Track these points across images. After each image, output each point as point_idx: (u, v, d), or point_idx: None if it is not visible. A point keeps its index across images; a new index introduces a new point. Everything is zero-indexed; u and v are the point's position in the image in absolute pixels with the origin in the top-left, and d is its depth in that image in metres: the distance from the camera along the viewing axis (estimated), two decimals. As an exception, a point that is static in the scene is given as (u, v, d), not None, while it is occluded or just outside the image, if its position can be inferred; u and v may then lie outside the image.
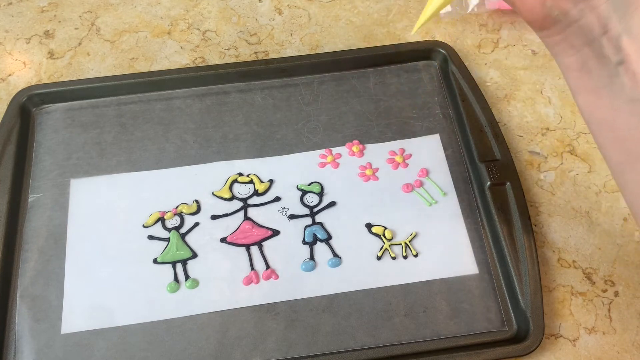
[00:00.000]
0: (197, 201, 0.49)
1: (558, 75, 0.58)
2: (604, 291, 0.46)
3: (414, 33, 0.45)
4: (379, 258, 0.46)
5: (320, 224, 0.48)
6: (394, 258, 0.46)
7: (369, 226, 0.47)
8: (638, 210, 0.34)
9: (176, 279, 0.45)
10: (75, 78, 0.57)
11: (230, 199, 0.49)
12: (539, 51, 0.59)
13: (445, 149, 0.51)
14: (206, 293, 0.45)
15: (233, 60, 0.58)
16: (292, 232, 0.47)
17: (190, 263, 0.46)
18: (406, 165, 0.50)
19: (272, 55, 0.59)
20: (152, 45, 0.60)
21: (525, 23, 0.61)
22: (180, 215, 0.48)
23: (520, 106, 0.55)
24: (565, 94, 0.56)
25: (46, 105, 0.54)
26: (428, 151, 0.51)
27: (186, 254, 0.46)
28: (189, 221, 0.48)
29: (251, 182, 0.50)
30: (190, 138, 0.52)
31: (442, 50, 0.56)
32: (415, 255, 0.46)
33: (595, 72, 0.33)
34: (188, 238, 0.47)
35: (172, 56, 0.59)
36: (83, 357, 0.42)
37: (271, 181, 0.50)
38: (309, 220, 0.48)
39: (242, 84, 0.55)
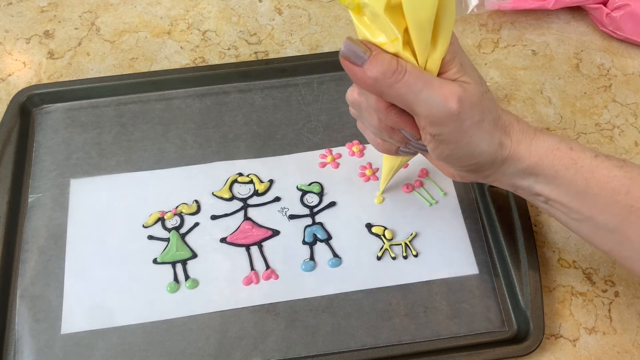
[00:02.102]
0: (197, 201, 0.49)
1: (558, 75, 0.58)
2: (604, 291, 0.46)
3: (379, 195, 0.49)
4: (379, 258, 0.46)
5: (320, 224, 0.48)
6: (394, 258, 0.46)
7: (369, 226, 0.47)
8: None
9: (176, 279, 0.45)
10: (75, 78, 0.57)
11: (230, 199, 0.49)
12: (539, 51, 0.59)
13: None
14: (206, 293, 0.45)
15: (233, 60, 0.58)
16: (292, 232, 0.47)
17: (190, 263, 0.46)
18: (406, 165, 0.50)
19: (272, 55, 0.59)
20: (152, 45, 0.60)
21: (525, 23, 0.61)
22: (180, 215, 0.48)
23: (521, 106, 0.55)
24: (565, 94, 0.56)
25: (46, 105, 0.54)
26: (428, 151, 0.51)
27: (186, 254, 0.46)
28: (189, 221, 0.48)
29: (251, 182, 0.50)
30: (190, 138, 0.52)
31: (442, 50, 0.56)
32: (416, 256, 0.46)
33: (532, 199, 0.38)
34: (188, 238, 0.47)
35: (172, 56, 0.59)
36: (83, 357, 0.42)
37: (271, 181, 0.50)
38: (309, 220, 0.48)
39: (242, 84, 0.55)
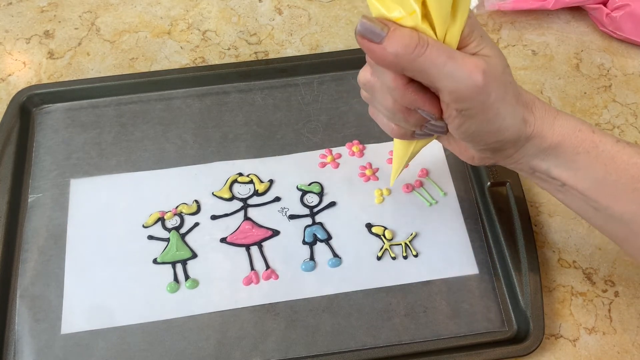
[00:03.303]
0: (197, 201, 0.49)
1: (558, 75, 0.58)
2: (604, 291, 0.46)
3: (392, 185, 0.48)
4: (379, 258, 0.46)
5: (320, 224, 0.48)
6: (394, 258, 0.46)
7: (369, 226, 0.47)
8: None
9: (176, 279, 0.45)
10: (75, 78, 0.57)
11: (230, 199, 0.49)
12: (539, 51, 0.59)
13: (445, 149, 0.51)
14: (206, 293, 0.45)
15: (233, 60, 0.58)
16: (292, 232, 0.47)
17: (190, 263, 0.46)
18: (406, 165, 0.50)
19: (272, 55, 0.59)
20: (152, 45, 0.60)
21: (525, 23, 0.61)
22: (180, 215, 0.48)
23: (521, 106, 0.55)
24: (565, 94, 0.56)
25: (46, 105, 0.54)
26: (428, 151, 0.51)
27: (186, 254, 0.46)
28: (189, 221, 0.48)
29: (251, 182, 0.50)
30: (190, 138, 0.52)
31: (442, 50, 0.56)
32: (416, 256, 0.46)
33: (547, 184, 0.37)
34: (188, 238, 0.47)
35: (172, 56, 0.59)
36: (83, 357, 0.42)
37: (271, 181, 0.50)
38: (309, 221, 0.48)
39: (242, 84, 0.55)
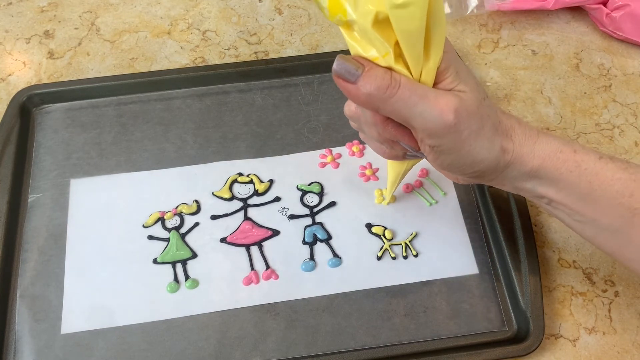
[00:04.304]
0: (197, 201, 0.49)
1: (558, 75, 0.58)
2: (604, 291, 0.46)
3: (386, 204, 0.49)
4: (379, 258, 0.46)
5: (320, 224, 0.48)
6: (394, 258, 0.46)
7: (369, 226, 0.47)
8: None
9: (176, 279, 0.45)
10: (75, 78, 0.57)
11: (230, 199, 0.49)
12: (539, 51, 0.59)
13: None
14: (206, 293, 0.45)
15: (233, 60, 0.58)
16: (292, 232, 0.47)
17: (190, 263, 0.46)
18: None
19: (272, 55, 0.59)
20: (152, 45, 0.60)
21: (525, 23, 0.61)
22: (180, 215, 0.48)
23: (521, 106, 0.55)
24: (565, 93, 0.56)
25: (46, 105, 0.54)
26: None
27: (186, 254, 0.46)
28: (189, 221, 0.48)
29: (251, 182, 0.50)
30: (190, 138, 0.52)
31: (442, 50, 0.56)
32: (416, 256, 0.46)
33: (535, 201, 0.37)
34: (188, 238, 0.47)
35: (172, 56, 0.59)
36: (83, 357, 0.42)
37: (271, 181, 0.50)
38: (309, 220, 0.48)
39: (242, 84, 0.55)
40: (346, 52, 0.57)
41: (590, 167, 0.34)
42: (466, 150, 0.33)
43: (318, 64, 0.55)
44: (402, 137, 0.35)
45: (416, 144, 0.35)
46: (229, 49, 0.59)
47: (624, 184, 0.34)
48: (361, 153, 0.51)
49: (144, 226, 0.47)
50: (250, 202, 0.49)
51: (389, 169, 0.45)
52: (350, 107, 0.39)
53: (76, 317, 0.43)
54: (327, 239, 0.47)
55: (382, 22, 0.29)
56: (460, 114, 0.31)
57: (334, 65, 0.31)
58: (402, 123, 0.33)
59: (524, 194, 0.37)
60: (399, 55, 0.31)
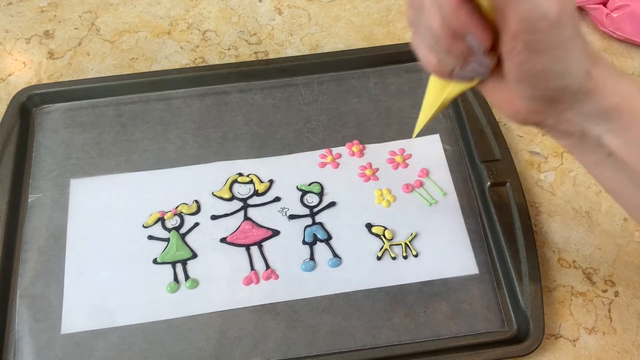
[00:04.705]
0: (197, 201, 0.49)
1: (558, 75, 0.57)
2: (604, 291, 0.46)
3: (414, 137, 0.46)
4: (379, 258, 0.46)
5: (320, 224, 0.48)
6: (394, 258, 0.46)
7: (369, 226, 0.47)
8: None
9: (176, 279, 0.45)
10: (75, 78, 0.57)
11: (230, 199, 0.49)
12: (539, 51, 0.59)
13: (445, 149, 0.51)
14: (206, 293, 0.45)
15: (233, 60, 0.58)
16: (292, 232, 0.47)
17: (190, 263, 0.46)
18: (406, 165, 0.50)
19: (272, 55, 0.59)
20: (152, 45, 0.60)
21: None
22: (180, 215, 0.48)
23: (520, 106, 0.55)
24: (565, 94, 0.56)
25: (46, 105, 0.54)
26: (428, 151, 0.51)
27: (186, 254, 0.46)
28: (189, 221, 0.48)
29: (251, 182, 0.50)
30: (190, 138, 0.52)
31: (442, 50, 0.56)
32: (416, 256, 0.46)
33: (590, 154, 0.34)
34: (188, 238, 0.47)
35: (172, 56, 0.59)
36: (83, 357, 0.42)
37: (271, 181, 0.50)
38: (309, 221, 0.48)
39: (242, 84, 0.55)
40: (346, 51, 0.57)
41: None
42: (562, 53, 0.28)
43: (318, 64, 0.55)
44: (475, 27, 0.28)
45: (488, 40, 0.29)
46: (229, 49, 0.59)
47: None
48: (361, 153, 0.51)
49: (144, 226, 0.47)
50: (250, 202, 0.49)
51: (428, 92, 0.38)
52: None
53: (76, 317, 0.43)
54: (327, 239, 0.47)
55: None
56: (564, 9, 0.27)
57: None
58: (498, 3, 0.27)
59: (584, 143, 0.33)
60: None
